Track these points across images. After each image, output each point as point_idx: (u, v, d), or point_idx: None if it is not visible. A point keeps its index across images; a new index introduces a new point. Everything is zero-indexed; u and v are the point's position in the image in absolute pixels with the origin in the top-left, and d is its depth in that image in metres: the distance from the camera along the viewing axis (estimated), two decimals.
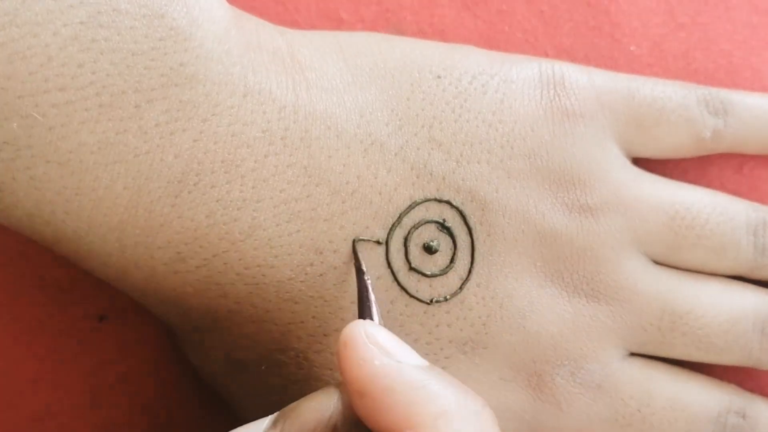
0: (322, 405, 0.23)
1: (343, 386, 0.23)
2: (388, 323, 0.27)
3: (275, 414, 0.24)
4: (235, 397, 0.29)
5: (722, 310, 0.30)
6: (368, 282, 0.26)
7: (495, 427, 0.22)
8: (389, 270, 0.27)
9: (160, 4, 0.24)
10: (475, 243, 0.28)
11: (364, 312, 0.25)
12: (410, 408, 0.21)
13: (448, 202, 0.28)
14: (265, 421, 0.24)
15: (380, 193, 0.27)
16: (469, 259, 0.28)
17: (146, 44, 0.24)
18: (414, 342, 0.28)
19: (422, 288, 0.28)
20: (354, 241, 0.27)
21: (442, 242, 0.28)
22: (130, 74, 0.23)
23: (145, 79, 0.24)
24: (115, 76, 0.23)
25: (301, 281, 0.26)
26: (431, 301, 0.28)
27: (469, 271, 0.28)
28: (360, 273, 0.26)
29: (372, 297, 0.25)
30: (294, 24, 0.31)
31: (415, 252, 0.28)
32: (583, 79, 0.29)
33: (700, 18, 0.33)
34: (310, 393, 0.27)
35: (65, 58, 0.23)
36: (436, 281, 0.28)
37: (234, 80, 0.25)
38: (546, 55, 0.32)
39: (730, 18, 0.33)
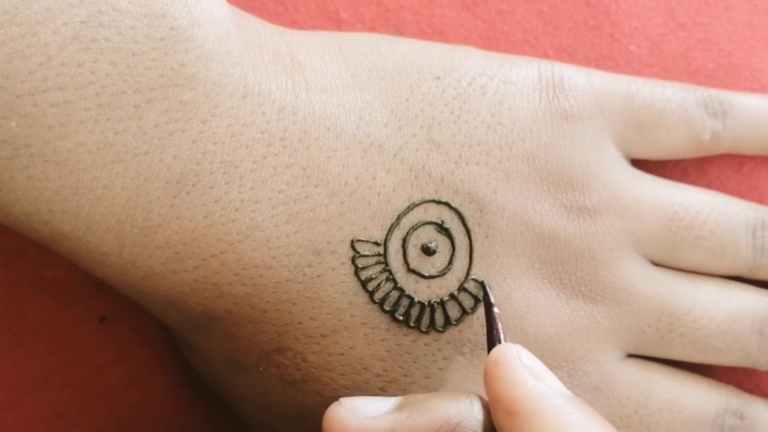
0: (454, 409, 0.24)
1: (489, 402, 0.24)
2: None
3: (399, 398, 0.25)
4: (234, 397, 0.29)
5: (720, 311, 0.30)
6: (497, 314, 0.27)
7: None
8: (387, 271, 0.27)
9: (161, 3, 0.24)
10: (474, 244, 0.28)
11: (495, 340, 0.26)
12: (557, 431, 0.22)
13: (447, 204, 0.28)
14: (388, 402, 0.24)
15: (379, 194, 0.27)
16: (468, 260, 0.28)
17: (147, 44, 0.24)
18: (412, 343, 0.28)
19: (420, 289, 0.27)
20: (484, 284, 0.28)
21: (441, 243, 0.28)
22: (130, 74, 0.23)
23: (145, 80, 0.24)
24: (115, 76, 0.23)
25: (299, 282, 0.26)
26: (429, 302, 0.28)
27: (468, 273, 0.28)
28: (489, 306, 0.27)
29: (501, 329, 0.26)
30: (294, 24, 0.31)
31: (414, 253, 0.27)
32: (582, 81, 0.29)
33: (699, 18, 0.33)
34: (308, 394, 0.27)
35: (65, 58, 0.23)
36: (434, 282, 0.28)
37: (234, 81, 0.25)
38: (546, 55, 0.32)
39: (730, 18, 0.33)
